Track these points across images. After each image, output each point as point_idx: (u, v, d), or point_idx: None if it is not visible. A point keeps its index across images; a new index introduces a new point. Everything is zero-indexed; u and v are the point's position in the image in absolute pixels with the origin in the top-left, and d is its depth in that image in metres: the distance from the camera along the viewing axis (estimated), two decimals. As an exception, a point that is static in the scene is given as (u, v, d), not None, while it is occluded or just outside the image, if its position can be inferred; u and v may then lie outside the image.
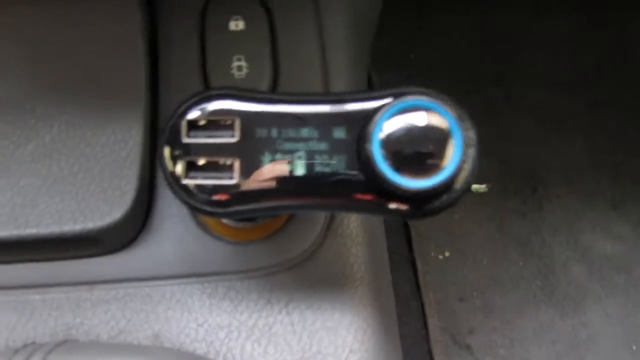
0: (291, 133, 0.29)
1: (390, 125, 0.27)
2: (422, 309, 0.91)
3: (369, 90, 0.29)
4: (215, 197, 0.29)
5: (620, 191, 1.07)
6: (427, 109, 0.27)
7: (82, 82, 0.38)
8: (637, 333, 0.95)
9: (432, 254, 0.99)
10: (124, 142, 0.37)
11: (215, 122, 0.29)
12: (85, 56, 0.39)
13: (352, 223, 0.39)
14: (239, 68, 0.41)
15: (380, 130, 0.27)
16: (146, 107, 0.38)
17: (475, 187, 1.09)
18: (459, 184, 0.28)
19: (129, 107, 0.38)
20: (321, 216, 0.39)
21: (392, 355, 0.39)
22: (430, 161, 0.26)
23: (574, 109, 1.14)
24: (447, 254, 1.00)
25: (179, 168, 0.29)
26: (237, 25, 0.42)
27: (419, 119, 0.27)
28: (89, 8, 0.40)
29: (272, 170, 0.29)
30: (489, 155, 1.11)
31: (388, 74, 1.11)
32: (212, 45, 0.41)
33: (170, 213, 0.38)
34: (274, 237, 0.38)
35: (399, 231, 1.00)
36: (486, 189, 1.09)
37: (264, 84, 0.41)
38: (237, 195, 0.29)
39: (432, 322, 0.91)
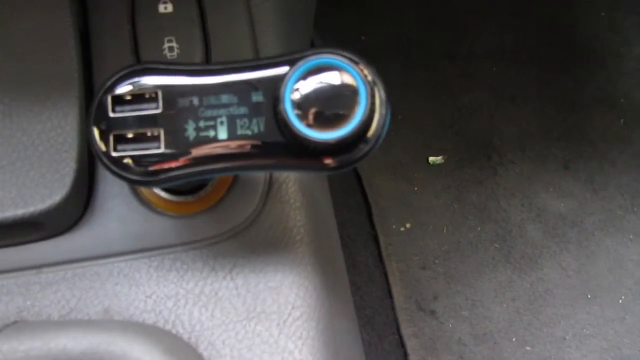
0: (212, 100, 0.30)
1: (299, 85, 0.29)
2: (386, 279, 0.94)
3: (282, 55, 0.30)
4: (145, 168, 0.30)
5: (570, 152, 1.11)
6: (333, 67, 0.29)
7: (15, 72, 0.39)
8: (591, 282, 0.99)
9: (394, 227, 1.02)
10: (61, 127, 0.38)
11: (139, 96, 0.31)
12: (17, 47, 0.39)
13: (290, 188, 0.41)
14: (171, 49, 0.42)
15: (291, 90, 0.29)
16: (80, 92, 0.39)
17: (432, 159, 1.13)
18: (371, 133, 0.29)
19: (63, 94, 0.39)
20: (260, 184, 0.40)
21: (336, 308, 0.41)
22: (339, 114, 0.28)
23: (523, 79, 1.18)
24: (408, 225, 1.03)
25: (108, 142, 0.30)
26: (166, 7, 0.43)
27: (327, 77, 0.29)
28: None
29: (196, 136, 0.30)
30: (444, 128, 1.14)
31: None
32: (142, 29, 0.42)
33: (113, 193, 0.39)
34: (215, 208, 0.40)
35: (360, 206, 1.02)
36: (442, 161, 1.12)
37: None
38: (166, 164, 0.30)
39: (396, 291, 0.94)
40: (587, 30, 1.21)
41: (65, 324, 0.35)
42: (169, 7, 0.43)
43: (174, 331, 0.36)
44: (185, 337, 0.36)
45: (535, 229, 1.04)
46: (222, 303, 0.37)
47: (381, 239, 0.99)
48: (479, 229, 1.03)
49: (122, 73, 0.31)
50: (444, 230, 1.04)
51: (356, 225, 0.99)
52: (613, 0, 1.24)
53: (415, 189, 1.07)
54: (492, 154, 1.11)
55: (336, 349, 0.39)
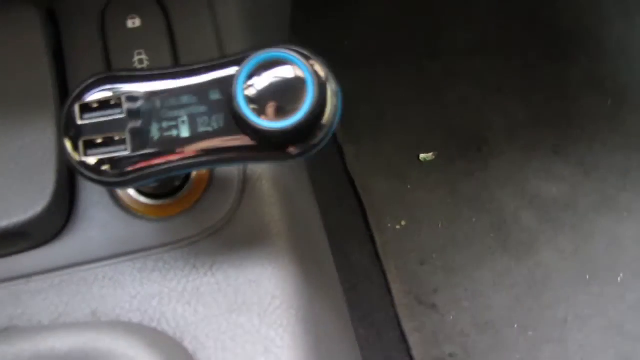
0: (173, 102, 0.32)
1: (252, 81, 0.30)
2: (384, 277, 0.95)
3: (234, 54, 0.32)
4: (115, 170, 0.32)
5: (559, 137, 1.12)
6: (282, 61, 0.31)
7: (-7, 96, 0.41)
8: (589, 263, 1.00)
9: (389, 225, 1.03)
10: (39, 142, 0.40)
11: (105, 103, 0.32)
12: None
13: (264, 186, 0.42)
14: (141, 61, 0.44)
15: (243, 86, 0.30)
16: (56, 108, 0.41)
17: (423, 156, 1.14)
18: (325, 120, 0.31)
19: (39, 110, 0.41)
20: (234, 183, 0.42)
21: (319, 297, 0.42)
22: (291, 106, 0.30)
23: (508, 70, 1.19)
24: (403, 223, 1.04)
25: (78, 148, 0.32)
26: (134, 23, 0.45)
27: (276, 71, 0.31)
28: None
29: (161, 136, 0.32)
30: (433, 125, 1.16)
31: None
32: (113, 44, 0.44)
33: (94, 201, 0.41)
34: (193, 208, 0.41)
35: (354, 208, 1.03)
36: (434, 157, 1.13)
37: (166, 73, 0.44)
38: (134, 165, 0.32)
39: (396, 287, 0.95)
40: (567, 16, 1.23)
41: (53, 326, 0.37)
42: (137, 22, 0.45)
43: (159, 328, 0.38)
44: (170, 332, 0.38)
45: (530, 215, 1.04)
46: (204, 298, 0.39)
47: (377, 238, 1.00)
48: (474, 220, 1.04)
49: (87, 82, 0.33)
50: (440, 225, 1.05)
51: (351, 227, 1.00)
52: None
53: (408, 186, 1.09)
54: (482, 145, 1.12)
55: (318, 336, 0.40)
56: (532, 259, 1.00)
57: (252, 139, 0.32)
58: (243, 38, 0.48)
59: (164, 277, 0.40)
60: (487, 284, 0.98)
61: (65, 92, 0.43)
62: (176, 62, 0.45)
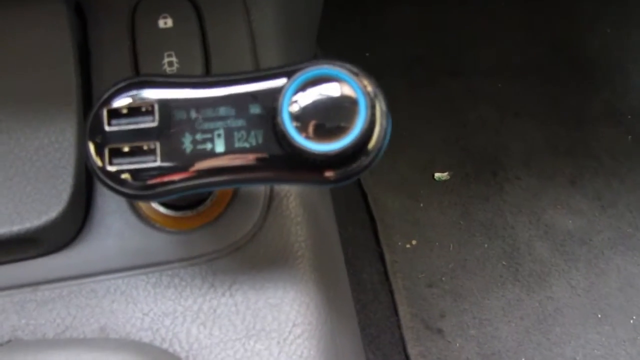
0: (209, 113, 0.30)
1: (299, 97, 0.28)
2: (392, 297, 0.93)
3: (280, 66, 0.30)
4: (140, 182, 0.30)
5: (577, 167, 1.10)
6: (332, 78, 0.28)
7: (14, 88, 0.39)
8: (602, 301, 0.97)
9: (399, 244, 1.01)
10: (58, 143, 0.38)
11: (136, 109, 0.30)
12: (15, 62, 0.39)
13: (291, 203, 0.40)
14: (170, 64, 0.42)
15: (289, 102, 0.28)
16: (79, 108, 0.39)
17: (437, 175, 1.12)
18: (372, 145, 0.29)
19: (61, 110, 0.38)
20: (260, 199, 0.40)
21: (339, 325, 0.40)
22: (338, 127, 0.28)
23: (528, 95, 1.18)
24: (414, 242, 1.02)
25: (103, 156, 0.30)
26: (165, 23, 0.43)
27: (324, 88, 0.28)
28: (16, 17, 0.40)
29: (194, 149, 0.30)
30: (450, 144, 1.14)
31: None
32: (142, 44, 0.42)
33: (111, 209, 0.39)
34: (215, 223, 0.39)
35: (365, 223, 1.01)
36: (448, 177, 1.11)
37: (196, 78, 0.42)
38: (162, 177, 0.30)
39: (403, 309, 0.93)
40: (592, 46, 1.21)
41: (58, 342, 0.34)
42: (169, 22, 0.43)
43: (170, 350, 0.36)
44: (183, 355, 0.36)
45: (543, 246, 1.02)
46: (220, 320, 0.37)
47: (387, 256, 0.97)
48: (486, 245, 1.02)
49: (118, 86, 0.30)
50: (450, 247, 1.02)
51: (362, 242, 0.98)
52: (618, 17, 1.24)
53: (421, 205, 1.06)
54: (498, 170, 1.10)
55: (338, 369, 0.38)
56: (544, 292, 0.97)
57: (291, 159, 0.29)
58: (277, 45, 0.46)
59: (180, 294, 0.37)
60: (495, 313, 0.96)
61: (89, 91, 0.41)
62: (207, 66, 0.42)
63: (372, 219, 1.01)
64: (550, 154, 1.11)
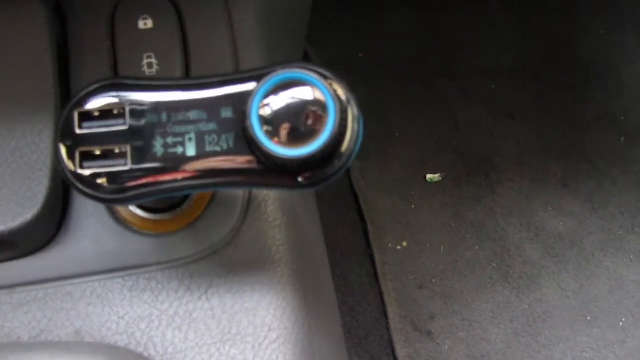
0: (180, 116, 0.30)
1: (269, 101, 0.28)
2: (381, 299, 0.92)
3: (251, 70, 0.30)
4: (112, 185, 0.30)
5: (569, 170, 1.10)
6: (302, 82, 0.28)
7: (-9, 89, 0.38)
8: (591, 304, 0.97)
9: (390, 245, 1.01)
10: (35, 145, 0.37)
11: (107, 112, 0.30)
12: None
13: (270, 206, 0.40)
14: (150, 65, 0.42)
15: (259, 105, 0.28)
16: (56, 109, 0.39)
17: (429, 177, 1.11)
18: (344, 148, 0.29)
19: (38, 110, 0.38)
20: (238, 202, 0.40)
21: (318, 330, 0.40)
22: (308, 131, 0.28)
23: (521, 96, 1.17)
24: (404, 244, 1.02)
25: (74, 159, 0.30)
26: (145, 24, 0.43)
27: (295, 92, 0.28)
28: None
29: (164, 153, 0.29)
30: (442, 145, 1.14)
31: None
32: (122, 45, 0.42)
33: (88, 212, 0.39)
34: (193, 226, 0.39)
35: (356, 225, 1.01)
36: (440, 178, 1.11)
37: (176, 80, 0.41)
38: (133, 181, 0.30)
39: (392, 311, 0.92)
40: (586, 48, 1.21)
41: (32, 346, 0.34)
42: (149, 23, 0.42)
43: (145, 354, 0.35)
44: (158, 359, 0.35)
45: (534, 248, 1.02)
46: (196, 324, 0.36)
47: (377, 257, 0.97)
48: (476, 247, 1.02)
49: (90, 88, 0.30)
50: (441, 249, 1.02)
51: (351, 244, 0.98)
52: (612, 19, 1.23)
53: (413, 206, 1.06)
54: (490, 171, 1.10)
55: (315, 373, 0.38)
56: (533, 294, 0.97)
57: (262, 163, 0.29)
58: (259, 48, 0.45)
59: (156, 298, 0.37)
60: (485, 315, 0.95)
61: (67, 92, 0.41)
62: (187, 68, 0.42)
63: (362, 220, 1.01)
64: (543, 155, 1.11)
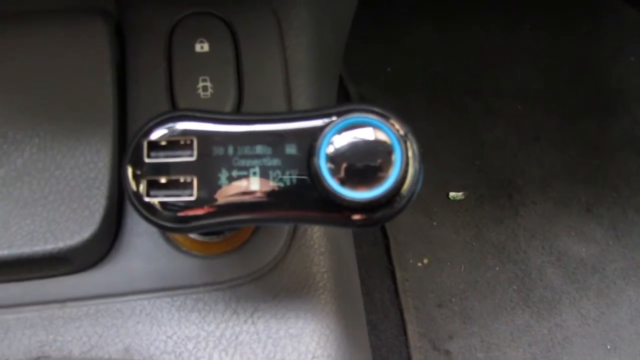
0: (246, 150, 0.31)
1: (336, 141, 0.29)
2: (401, 316, 0.93)
3: (319, 108, 0.31)
4: (176, 214, 0.31)
5: (593, 195, 1.10)
6: (370, 125, 0.29)
7: (52, 107, 0.40)
8: (612, 332, 0.97)
9: (411, 262, 1.01)
10: (93, 163, 0.38)
11: (175, 142, 0.31)
12: (55, 82, 0.40)
13: (315, 234, 0.41)
14: (205, 88, 0.43)
15: (327, 145, 0.29)
16: (114, 129, 0.40)
17: (452, 194, 1.12)
18: (405, 189, 0.29)
19: (97, 130, 0.39)
20: (285, 228, 0.40)
21: (356, 356, 0.40)
22: (373, 174, 0.28)
23: (548, 119, 1.17)
24: (425, 261, 1.02)
25: (141, 187, 0.31)
26: (202, 47, 0.44)
27: (363, 134, 0.29)
28: (57, 36, 0.41)
29: (229, 186, 0.30)
30: (466, 164, 1.14)
31: (362, 87, 1.13)
32: (178, 67, 0.43)
33: (140, 231, 0.39)
34: (240, 250, 0.40)
35: (378, 240, 1.01)
36: (463, 197, 1.11)
37: (229, 104, 0.42)
38: (197, 211, 0.30)
39: (411, 329, 0.93)
40: (614, 74, 1.21)
41: (84, 361, 0.35)
42: (206, 47, 0.43)
43: (192, 375, 0.36)
44: (204, 381, 0.36)
45: (555, 273, 1.02)
46: (242, 348, 0.37)
47: (398, 273, 0.98)
48: (497, 268, 1.02)
49: (159, 119, 0.31)
50: (462, 268, 1.02)
51: (374, 259, 0.99)
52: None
53: (435, 224, 1.07)
54: (513, 193, 1.10)
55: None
56: (553, 319, 0.97)
57: (323, 201, 0.30)
58: (308, 74, 0.46)
59: (203, 319, 0.38)
60: (504, 338, 0.96)
61: (124, 111, 0.42)
62: (240, 92, 0.43)
63: (385, 236, 1.02)
64: (567, 180, 1.11)
